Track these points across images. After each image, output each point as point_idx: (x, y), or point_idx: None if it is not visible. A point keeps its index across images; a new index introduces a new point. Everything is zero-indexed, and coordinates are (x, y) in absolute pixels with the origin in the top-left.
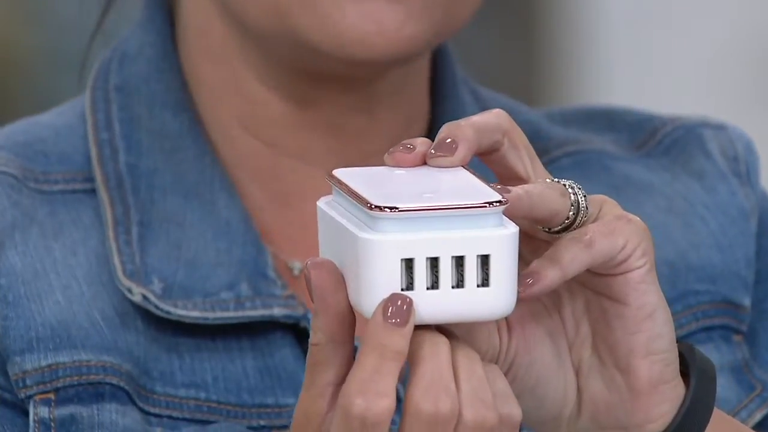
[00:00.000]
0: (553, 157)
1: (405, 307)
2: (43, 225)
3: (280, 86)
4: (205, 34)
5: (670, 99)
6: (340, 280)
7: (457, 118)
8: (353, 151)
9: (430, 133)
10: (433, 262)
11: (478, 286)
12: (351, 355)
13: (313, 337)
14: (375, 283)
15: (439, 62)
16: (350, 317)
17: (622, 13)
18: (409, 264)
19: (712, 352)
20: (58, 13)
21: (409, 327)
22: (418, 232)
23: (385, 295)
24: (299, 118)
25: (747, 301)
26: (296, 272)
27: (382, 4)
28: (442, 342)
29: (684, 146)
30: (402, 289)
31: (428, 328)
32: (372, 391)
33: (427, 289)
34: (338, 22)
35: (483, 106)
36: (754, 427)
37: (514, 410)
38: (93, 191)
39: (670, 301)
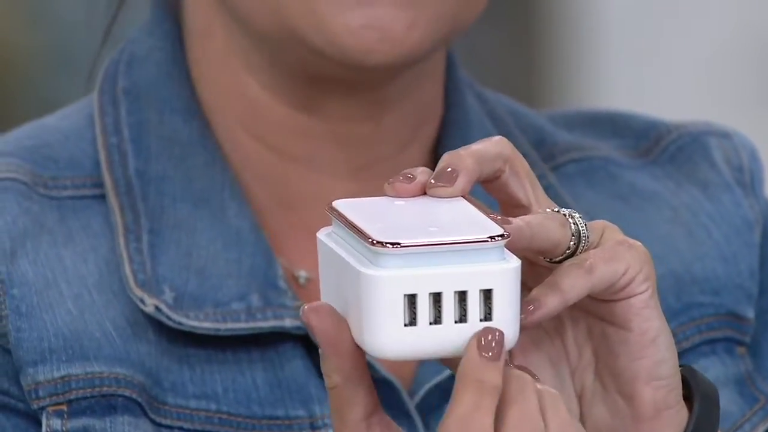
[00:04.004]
0: (559, 164)
1: (497, 340)
2: (53, 232)
3: (283, 91)
4: (207, 36)
5: (671, 99)
6: (341, 321)
7: (463, 125)
8: (360, 158)
9: (440, 138)
10: (436, 297)
11: (481, 320)
12: (372, 387)
13: (329, 382)
14: (377, 319)
15: (448, 66)
16: (360, 354)
17: (622, 14)
18: (411, 299)
19: (715, 365)
20: (59, 13)
21: (503, 360)
22: (421, 268)
23: (388, 330)
24: (304, 125)
25: (750, 313)
26: (302, 281)
27: (388, 10)
28: (528, 380)
29: (689, 155)
30: (405, 325)
31: (509, 366)
32: (473, 426)
33: (430, 324)
34: (339, 28)
35: (488, 109)
36: None
37: None
38: (102, 197)
39: (675, 314)
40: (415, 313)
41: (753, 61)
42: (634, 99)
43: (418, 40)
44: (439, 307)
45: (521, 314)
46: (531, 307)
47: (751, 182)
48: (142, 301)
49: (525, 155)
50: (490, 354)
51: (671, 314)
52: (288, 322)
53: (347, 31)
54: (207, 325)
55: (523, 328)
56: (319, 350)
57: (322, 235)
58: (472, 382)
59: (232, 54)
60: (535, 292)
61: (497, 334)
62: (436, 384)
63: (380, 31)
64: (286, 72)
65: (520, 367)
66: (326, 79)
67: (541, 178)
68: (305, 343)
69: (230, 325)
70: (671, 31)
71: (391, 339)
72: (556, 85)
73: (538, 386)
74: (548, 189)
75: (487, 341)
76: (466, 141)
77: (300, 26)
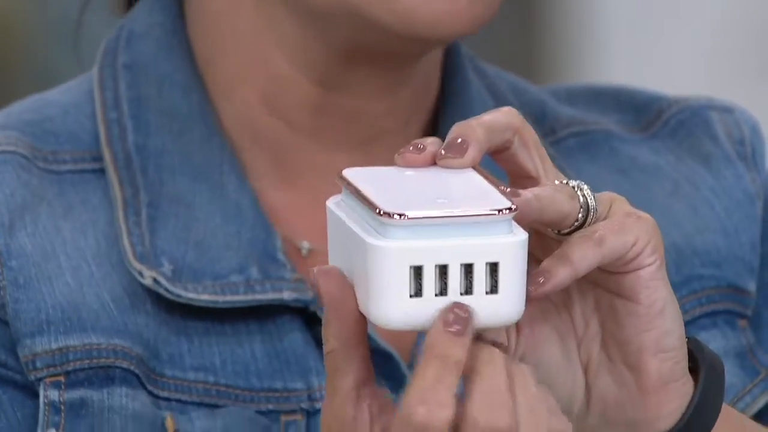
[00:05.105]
0: (560, 138)
1: (465, 315)
2: (52, 205)
3: (310, 67)
4: (228, 13)
5: (671, 75)
6: (348, 287)
7: (463, 99)
8: (367, 132)
9: (439, 111)
10: (442, 270)
11: (486, 293)
12: (367, 358)
13: (327, 345)
14: (383, 289)
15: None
16: (362, 322)
17: None
18: (417, 271)
19: (716, 338)
20: None
21: (469, 336)
22: (427, 240)
23: (393, 300)
24: (323, 101)
25: (752, 286)
26: (305, 252)
27: None
28: (497, 355)
29: (690, 129)
30: (410, 296)
31: (481, 341)
32: (433, 400)
33: (436, 296)
34: (408, 2)
35: (488, 83)
36: (758, 412)
37: (565, 427)
38: (101, 171)
39: (675, 286)
40: (420, 285)
41: (753, 37)
42: (633, 74)
43: (479, 12)
44: (445, 279)
45: (531, 286)
46: (541, 279)
47: (753, 156)
48: (140, 273)
49: None
50: (456, 329)
51: (672, 287)
52: (286, 295)
53: (416, 4)
54: (205, 297)
55: (533, 300)
56: (323, 313)
57: (331, 203)
58: (436, 357)
59: (260, 30)
60: (545, 263)
61: (466, 310)
62: None
63: (448, 3)
64: (321, 47)
65: (494, 344)
66: (364, 54)
67: None
68: (304, 316)
69: (228, 298)
70: (671, 6)
71: (396, 309)
72: (556, 60)
73: (510, 362)
74: None
75: (455, 316)
76: (466, 115)
77: (366, 2)
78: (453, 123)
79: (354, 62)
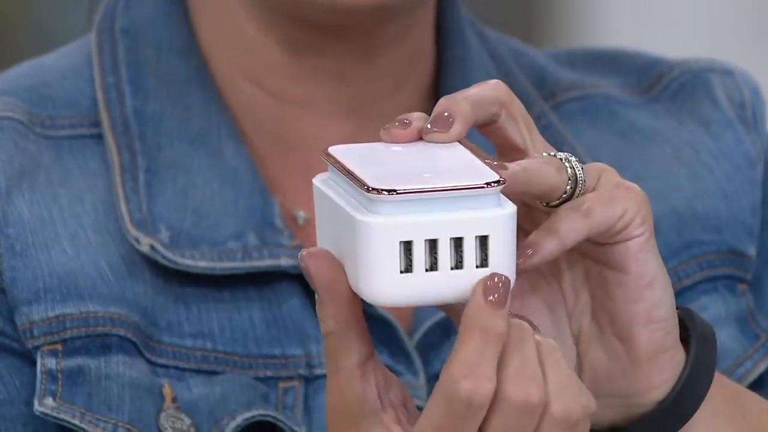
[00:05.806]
0: (559, 102)
1: (503, 286)
2: (49, 171)
3: (279, 35)
4: None
5: (669, 36)
6: (338, 267)
7: (464, 63)
8: (355, 98)
9: (439, 76)
10: (432, 244)
11: (477, 266)
12: (367, 334)
13: (324, 327)
14: (373, 266)
15: (443, 2)
16: (356, 299)
17: None
18: (407, 246)
19: (716, 302)
20: None
21: (507, 307)
22: (416, 215)
23: (384, 277)
24: (299, 67)
25: (752, 251)
26: (301, 221)
27: None
28: (528, 330)
29: (691, 92)
30: (401, 272)
31: (510, 315)
32: (477, 373)
33: (426, 271)
34: None
35: (489, 48)
36: (759, 377)
37: (592, 402)
38: (99, 136)
39: (676, 251)
40: (411, 260)
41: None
42: (633, 37)
43: None
44: (435, 253)
45: (519, 258)
46: (529, 251)
47: (753, 119)
48: (137, 240)
49: (525, 94)
50: (497, 299)
51: (672, 252)
52: (284, 261)
53: None
54: (202, 264)
55: (521, 272)
56: (316, 296)
57: (317, 181)
58: (478, 329)
59: None
60: (532, 236)
61: (503, 279)
62: (437, 322)
63: None
64: (280, 16)
65: (519, 317)
66: (318, 23)
67: (541, 116)
68: (302, 282)
69: (226, 264)
70: None
71: (387, 286)
72: (556, 24)
73: (537, 337)
74: (548, 127)
75: (494, 285)
76: (467, 79)
77: None
78: (453, 87)
79: (313, 31)
